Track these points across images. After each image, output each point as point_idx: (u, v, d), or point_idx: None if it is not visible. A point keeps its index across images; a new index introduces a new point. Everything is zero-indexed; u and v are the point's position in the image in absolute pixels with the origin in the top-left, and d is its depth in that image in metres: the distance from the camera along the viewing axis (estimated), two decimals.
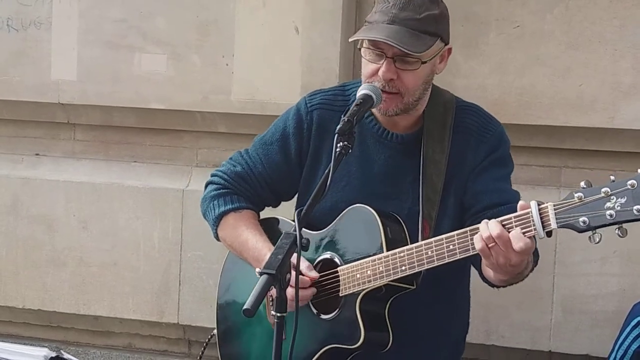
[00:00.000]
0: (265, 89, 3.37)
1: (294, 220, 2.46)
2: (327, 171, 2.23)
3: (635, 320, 2.64)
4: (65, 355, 2.16)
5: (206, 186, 2.72)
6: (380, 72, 2.38)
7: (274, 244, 2.41)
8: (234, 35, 3.40)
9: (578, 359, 3.15)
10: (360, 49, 2.43)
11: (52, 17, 3.58)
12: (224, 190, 2.65)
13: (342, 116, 2.33)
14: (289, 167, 2.62)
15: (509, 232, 2.14)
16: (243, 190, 2.65)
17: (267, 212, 2.76)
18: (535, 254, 2.40)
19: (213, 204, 2.64)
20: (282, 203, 2.77)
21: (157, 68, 3.48)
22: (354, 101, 2.48)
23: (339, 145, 2.26)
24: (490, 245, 2.16)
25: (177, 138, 3.58)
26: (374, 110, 2.49)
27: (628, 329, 2.66)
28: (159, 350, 3.64)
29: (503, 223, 2.16)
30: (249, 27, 3.39)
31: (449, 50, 2.49)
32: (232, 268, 2.73)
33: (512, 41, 3.18)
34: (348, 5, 3.29)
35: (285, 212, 2.73)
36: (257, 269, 2.08)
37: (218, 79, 3.42)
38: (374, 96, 2.40)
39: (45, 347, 2.19)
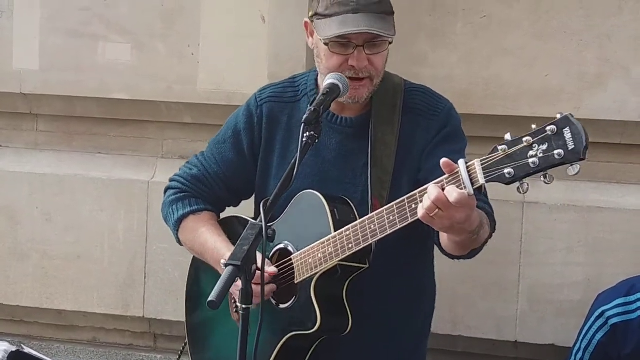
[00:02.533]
0: (231, 79, 3.34)
1: (256, 216, 2.46)
2: (293, 161, 2.23)
3: (599, 311, 2.67)
4: (26, 350, 2.13)
5: (165, 192, 2.72)
6: (354, 63, 2.39)
7: (234, 243, 2.41)
8: (199, 24, 3.37)
9: (543, 348, 3.18)
10: (326, 44, 2.41)
11: (14, 5, 3.53)
12: (182, 194, 2.65)
13: (309, 105, 2.33)
14: (244, 163, 2.62)
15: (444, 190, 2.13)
16: (200, 192, 2.65)
17: (228, 212, 2.74)
18: (491, 218, 2.42)
19: (172, 209, 2.65)
20: (243, 202, 2.75)
21: (121, 57, 3.43)
22: (303, 91, 2.53)
23: (305, 135, 2.26)
24: (432, 214, 2.14)
25: (141, 129, 3.54)
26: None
27: (592, 319, 2.68)
28: (124, 344, 3.61)
29: (437, 185, 2.15)
30: (214, 15, 3.35)
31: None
32: (200, 262, 2.70)
33: (479, 31, 3.18)
34: None
35: (246, 211, 2.71)
36: (222, 260, 2.06)
37: (183, 69, 3.39)
38: (340, 85, 2.39)
39: (7, 341, 2.16)
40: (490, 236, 2.43)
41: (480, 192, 2.13)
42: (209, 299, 1.97)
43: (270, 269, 2.40)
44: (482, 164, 2.08)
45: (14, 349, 2.10)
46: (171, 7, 3.39)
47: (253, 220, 2.35)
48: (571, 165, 1.98)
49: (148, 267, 3.48)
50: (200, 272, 2.71)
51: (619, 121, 3.12)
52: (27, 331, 3.68)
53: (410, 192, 2.36)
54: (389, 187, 2.47)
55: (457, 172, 2.12)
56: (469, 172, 2.10)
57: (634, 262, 3.05)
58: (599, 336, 2.65)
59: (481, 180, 2.07)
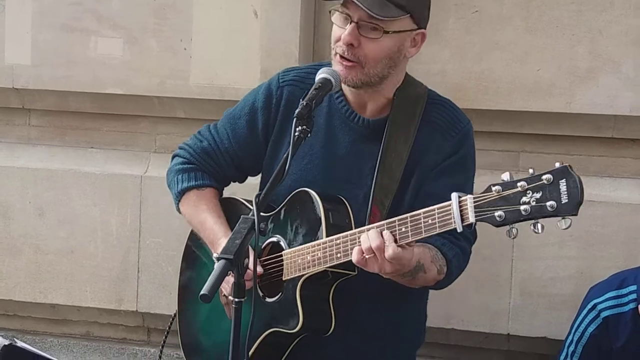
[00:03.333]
0: (224, 74, 3.34)
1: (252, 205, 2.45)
2: (285, 155, 2.22)
3: (591, 304, 2.68)
4: (19, 344, 2.12)
5: (173, 158, 2.71)
6: (342, 35, 2.36)
7: (232, 226, 2.40)
8: (192, 19, 3.36)
9: (536, 341, 3.19)
10: (331, 15, 2.40)
11: (6, 0, 3.51)
12: (189, 166, 2.64)
13: (301, 100, 2.31)
14: (256, 142, 2.60)
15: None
16: (208, 166, 2.63)
17: (233, 188, 2.73)
18: (453, 263, 2.40)
19: (177, 178, 2.64)
20: (248, 179, 2.74)
21: (114, 52, 3.43)
22: None
23: (297, 129, 2.25)
24: (367, 257, 2.17)
25: (134, 123, 3.53)
26: (345, 88, 2.47)
27: (584, 312, 2.69)
28: (117, 338, 3.61)
29: (424, 214, 2.14)
30: (207, 10, 3.35)
31: (423, 35, 2.45)
32: (192, 253, 2.71)
33: (471, 26, 3.18)
34: None
35: (251, 188, 2.67)
36: (215, 254, 2.07)
37: (176, 64, 3.38)
38: (332, 80, 2.38)
39: (0, 335, 2.15)
40: (443, 281, 2.41)
41: (470, 228, 2.10)
42: (202, 292, 1.97)
43: (257, 268, 2.35)
44: (474, 202, 2.05)
45: (7, 342, 2.10)
46: (163, 2, 3.38)
47: (246, 210, 2.35)
48: (562, 219, 1.94)
49: (141, 262, 3.48)
50: (193, 261, 2.70)
51: (610, 115, 3.14)
52: (20, 325, 3.67)
53: (411, 205, 2.37)
54: (392, 196, 2.44)
55: (450, 206, 2.10)
56: (460, 208, 2.07)
57: (626, 256, 3.06)
58: (591, 329, 2.66)
59: (471, 218, 2.05)
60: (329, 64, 2.50)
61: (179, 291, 2.76)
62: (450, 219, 2.08)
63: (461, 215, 2.07)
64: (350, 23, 2.35)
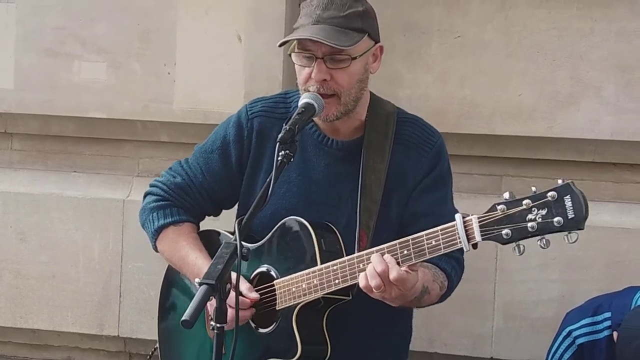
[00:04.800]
0: (207, 98, 3.34)
1: (234, 232, 2.43)
2: (268, 180, 2.22)
3: (567, 330, 2.68)
4: None
5: (145, 196, 2.68)
6: (312, 74, 2.38)
7: (214, 256, 2.39)
8: (175, 43, 3.37)
9: None
10: (290, 56, 2.42)
11: None
12: (163, 202, 2.61)
13: (284, 124, 2.32)
14: (230, 175, 2.60)
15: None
16: (183, 202, 2.62)
17: (208, 222, 2.74)
18: (452, 276, 2.44)
19: (152, 216, 2.61)
20: (223, 212, 2.74)
21: (97, 76, 3.43)
22: (295, 108, 2.47)
23: (280, 154, 2.25)
24: (372, 282, 2.19)
25: (117, 147, 3.53)
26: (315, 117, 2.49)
27: (560, 339, 2.69)
28: None
29: (427, 236, 2.17)
30: (191, 35, 3.36)
31: (381, 48, 2.50)
32: (172, 280, 2.69)
33: (453, 51, 3.21)
34: (291, 14, 3.29)
35: (226, 222, 2.70)
36: (197, 279, 2.06)
37: (159, 88, 3.39)
38: (315, 105, 2.39)
39: None
40: (446, 294, 2.46)
41: (475, 247, 2.14)
42: (183, 318, 1.96)
43: (252, 294, 2.38)
44: (479, 222, 2.10)
45: None
46: (147, 26, 3.39)
47: (228, 238, 2.34)
48: (569, 234, 2.01)
49: (123, 286, 3.46)
50: (174, 286, 2.68)
51: (591, 139, 3.16)
52: (1, 350, 3.63)
53: (397, 225, 2.41)
54: (375, 217, 2.45)
55: (454, 227, 2.13)
56: (465, 228, 2.11)
57: (607, 279, 3.08)
58: (566, 356, 2.66)
59: (477, 237, 2.10)
60: (293, 94, 2.56)
61: (161, 331, 2.71)
62: (455, 239, 2.12)
63: (467, 235, 2.10)
64: (316, 60, 2.37)
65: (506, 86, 3.18)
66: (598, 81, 3.12)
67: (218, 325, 2.00)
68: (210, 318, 2.48)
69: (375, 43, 2.47)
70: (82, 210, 3.49)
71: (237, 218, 2.62)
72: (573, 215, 2.00)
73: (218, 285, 1.99)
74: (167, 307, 2.71)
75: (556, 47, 3.14)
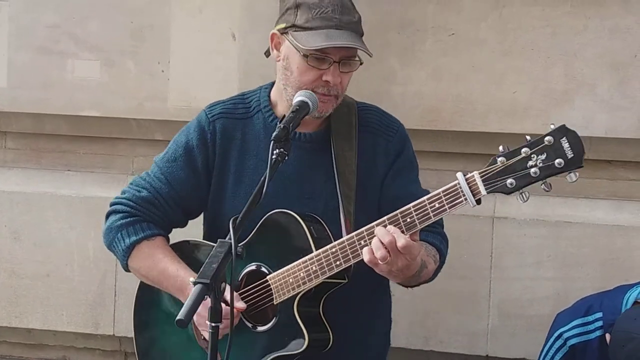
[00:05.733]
0: (201, 96, 3.33)
1: (205, 237, 2.45)
2: (262, 178, 2.22)
3: (558, 332, 2.68)
4: None
5: (108, 216, 2.60)
6: (329, 78, 2.41)
7: (191, 268, 2.42)
8: (169, 41, 3.36)
9: None
10: (305, 56, 2.41)
11: None
12: (132, 219, 2.54)
13: (278, 123, 2.33)
14: (197, 181, 2.57)
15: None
16: (152, 215, 2.56)
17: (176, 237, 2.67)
18: (442, 251, 2.49)
19: (122, 234, 2.53)
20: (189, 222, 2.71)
21: (91, 74, 3.42)
22: (255, 107, 2.53)
23: (275, 152, 2.25)
24: (378, 254, 2.22)
25: (111, 146, 3.52)
26: (279, 109, 2.52)
27: (551, 341, 2.69)
28: None
29: (429, 200, 2.23)
30: (185, 33, 3.35)
31: None
32: (149, 297, 2.63)
33: (447, 49, 3.21)
34: None
35: (190, 232, 2.67)
36: (191, 278, 2.05)
37: (154, 86, 3.38)
38: (310, 103, 2.41)
39: None
40: (439, 268, 2.50)
41: (479, 203, 2.21)
42: (178, 317, 1.95)
43: (239, 304, 2.35)
44: (481, 176, 2.17)
45: None
46: (141, 24, 3.38)
47: (205, 247, 2.34)
48: (570, 173, 2.12)
49: (118, 285, 3.45)
50: (153, 296, 2.62)
51: (586, 137, 3.11)
52: None
53: (372, 210, 2.45)
54: (354, 202, 2.48)
55: (456, 186, 2.19)
56: (469, 184, 2.18)
57: (602, 276, 3.08)
58: (558, 357, 2.65)
59: (483, 191, 2.18)
60: (251, 94, 2.59)
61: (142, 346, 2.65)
62: (460, 196, 2.19)
63: (471, 191, 2.17)
64: (333, 63, 2.40)
65: (500, 83, 3.18)
66: (592, 78, 3.12)
67: (213, 324, 1.99)
68: (202, 337, 2.46)
69: None
70: (76, 209, 3.48)
71: (204, 226, 2.62)
72: (572, 155, 2.11)
73: (213, 285, 1.99)
74: (147, 324, 2.64)
75: (550, 44, 3.14)
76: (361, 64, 2.46)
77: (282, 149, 2.26)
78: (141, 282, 2.65)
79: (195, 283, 2.00)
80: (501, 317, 3.19)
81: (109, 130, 3.49)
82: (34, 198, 3.51)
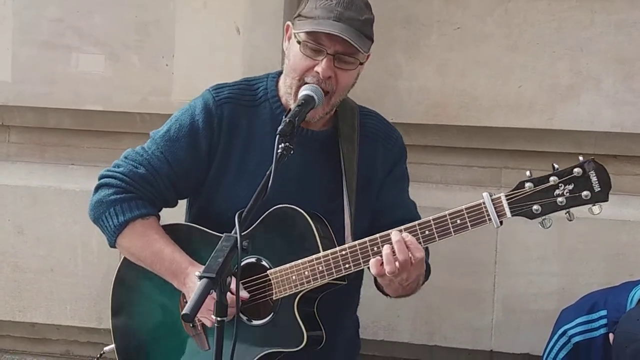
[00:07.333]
0: None
1: (187, 219, 2.43)
2: (268, 173, 2.19)
3: (562, 329, 2.67)
4: None
5: (98, 188, 2.52)
6: (319, 69, 2.36)
7: (189, 254, 2.40)
8: (174, 36, 3.35)
9: (519, 357, 3.19)
10: (298, 43, 2.39)
11: None
12: (126, 195, 2.47)
13: (284, 117, 2.30)
14: (197, 164, 2.50)
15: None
16: (148, 194, 2.49)
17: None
18: (427, 266, 2.47)
19: (115, 209, 2.46)
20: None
21: (95, 68, 3.41)
22: (263, 96, 2.50)
23: (280, 146, 2.23)
24: (398, 261, 2.24)
25: (116, 140, 3.51)
26: (290, 103, 2.47)
27: (555, 337, 2.68)
28: (97, 357, 3.56)
29: (451, 215, 2.24)
30: (189, 27, 3.35)
31: (369, 57, 2.50)
32: (131, 278, 2.58)
33: (453, 43, 3.20)
34: (290, 6, 3.27)
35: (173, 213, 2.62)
36: (197, 272, 2.04)
37: (158, 80, 3.37)
38: (315, 97, 2.38)
39: None
40: (424, 282, 2.49)
41: (501, 224, 2.25)
42: (183, 311, 1.94)
43: (242, 293, 2.31)
44: (508, 199, 2.23)
45: None
46: (145, 19, 3.37)
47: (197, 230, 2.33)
48: (593, 205, 2.20)
49: None
50: (134, 284, 2.58)
51: (591, 132, 3.16)
52: None
53: (369, 213, 2.48)
54: (354, 205, 2.47)
55: (481, 205, 2.23)
56: (494, 205, 2.23)
57: (607, 272, 3.08)
58: (562, 355, 2.65)
59: (508, 214, 2.23)
60: (258, 81, 2.55)
61: (121, 332, 2.62)
62: (483, 216, 2.24)
63: (496, 212, 2.23)
64: (326, 55, 2.36)
65: (506, 78, 3.17)
66: (597, 73, 3.11)
67: (218, 319, 1.99)
68: (191, 325, 2.45)
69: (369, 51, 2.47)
70: (80, 203, 3.47)
71: (192, 208, 2.57)
72: (600, 189, 2.19)
73: (219, 279, 1.98)
74: (127, 307, 2.60)
75: (556, 39, 3.13)
76: (361, 64, 2.41)
77: (287, 143, 2.24)
78: (123, 263, 2.58)
79: (201, 277, 1.99)
80: (506, 312, 3.18)
81: (113, 125, 3.49)
82: (37, 192, 3.51)
